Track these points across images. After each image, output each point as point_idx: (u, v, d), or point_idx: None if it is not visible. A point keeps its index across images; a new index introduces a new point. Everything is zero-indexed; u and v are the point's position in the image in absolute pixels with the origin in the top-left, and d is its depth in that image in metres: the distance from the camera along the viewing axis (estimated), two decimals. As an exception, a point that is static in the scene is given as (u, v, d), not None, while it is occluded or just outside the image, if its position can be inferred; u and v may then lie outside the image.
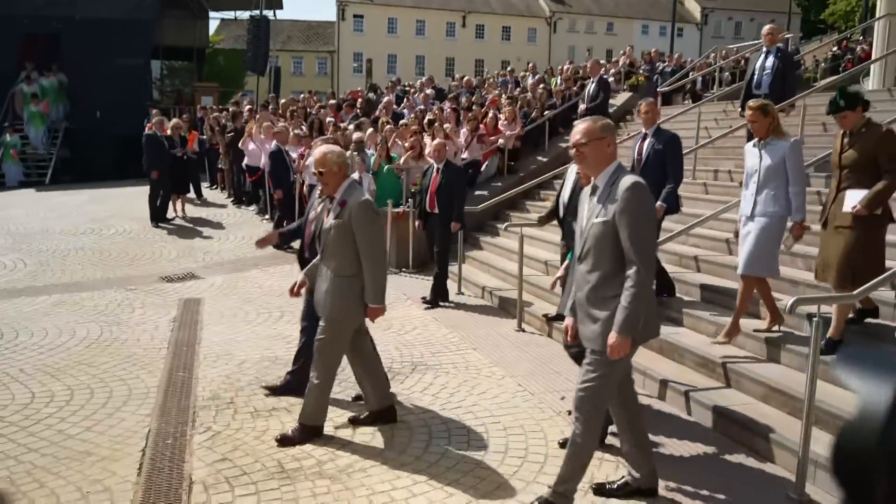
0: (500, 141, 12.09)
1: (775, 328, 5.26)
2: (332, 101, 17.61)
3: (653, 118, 6.43)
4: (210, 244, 11.24)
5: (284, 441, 4.31)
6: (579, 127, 3.46)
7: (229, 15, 30.47)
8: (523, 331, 6.95)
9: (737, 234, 5.45)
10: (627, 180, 3.26)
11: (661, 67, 18.04)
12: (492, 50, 51.39)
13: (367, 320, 4.51)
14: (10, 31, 19.24)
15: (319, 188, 4.74)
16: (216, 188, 16.54)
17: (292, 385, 5.08)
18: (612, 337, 3.21)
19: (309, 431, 4.38)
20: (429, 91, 16.36)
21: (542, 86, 15.27)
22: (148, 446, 4.28)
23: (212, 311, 7.55)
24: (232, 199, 14.93)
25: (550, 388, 5.36)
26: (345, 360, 4.58)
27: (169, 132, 13.23)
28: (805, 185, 5.18)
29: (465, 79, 18.12)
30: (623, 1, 57.04)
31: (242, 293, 8.39)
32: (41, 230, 11.80)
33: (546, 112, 13.52)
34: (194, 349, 6.23)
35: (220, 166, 16.04)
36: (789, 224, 5.15)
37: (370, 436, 4.48)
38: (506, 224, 9.07)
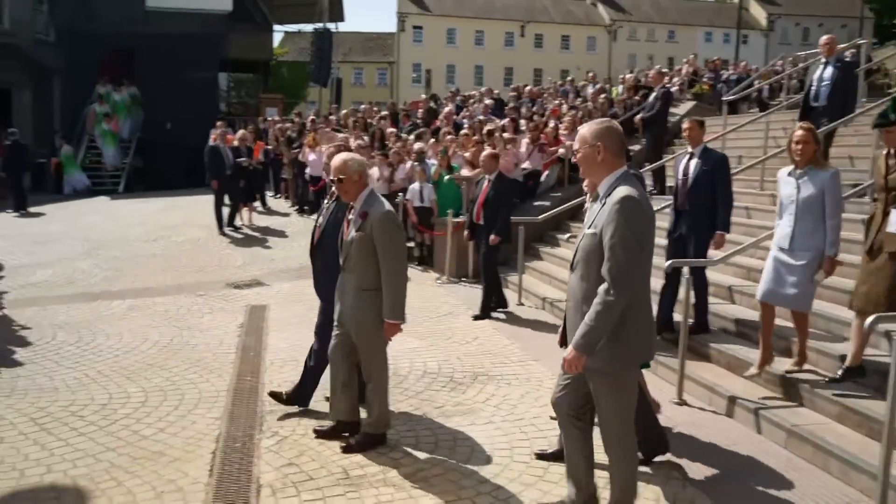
0: (561, 150, 12.03)
1: (805, 367, 5.08)
2: (384, 112, 17.83)
3: (697, 137, 6.24)
4: (275, 252, 11.50)
5: (348, 449, 4.36)
6: (578, 133, 3.39)
7: (293, 28, 31.29)
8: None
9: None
10: (619, 192, 3.09)
11: (725, 76, 17.68)
12: (551, 59, 51.25)
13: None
14: (91, 47, 20.13)
15: (330, 193, 4.79)
16: (280, 197, 16.92)
17: (298, 394, 5.05)
18: (568, 351, 3.16)
19: (373, 440, 4.42)
20: (488, 101, 16.39)
21: (602, 95, 15.15)
22: (218, 449, 4.40)
23: (277, 318, 7.72)
24: (296, 207, 15.25)
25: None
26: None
27: (236, 143, 13.61)
28: (841, 218, 4.92)
29: (528, 88, 18.10)
30: (685, 8, 56.14)
31: (307, 300, 8.51)
32: (117, 237, 12.28)
33: (608, 122, 13.39)
34: (261, 355, 6.39)
35: (283, 176, 16.42)
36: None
37: (433, 445, 4.50)
38: (567, 235, 9.01)
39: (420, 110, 17.05)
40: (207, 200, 13.44)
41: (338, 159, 4.29)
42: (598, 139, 3.20)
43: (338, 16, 27.95)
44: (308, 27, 28.18)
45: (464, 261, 10.00)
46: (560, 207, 10.18)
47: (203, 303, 8.35)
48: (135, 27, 20.44)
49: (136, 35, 20.40)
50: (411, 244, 11.26)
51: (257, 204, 14.78)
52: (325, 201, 4.96)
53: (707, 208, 5.99)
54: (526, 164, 11.66)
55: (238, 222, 13.16)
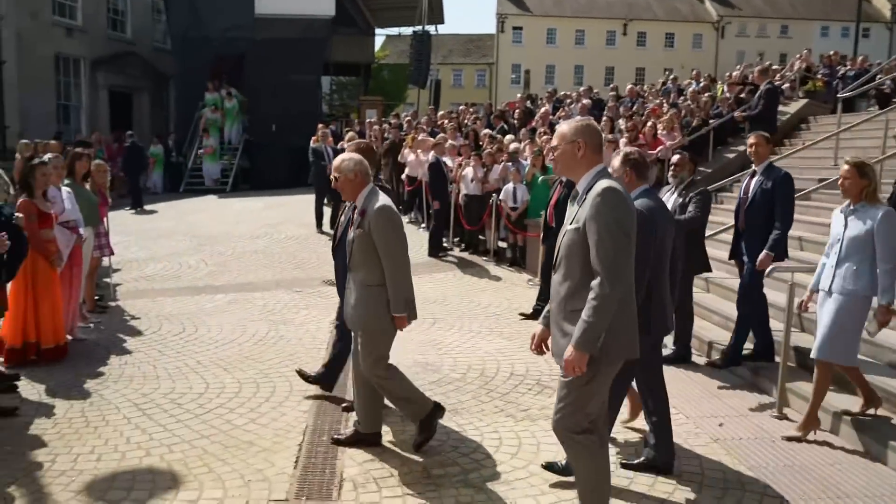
0: (659, 149, 11.67)
1: (871, 412, 4.70)
2: (472, 113, 17.83)
3: (763, 153, 5.86)
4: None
5: (337, 441, 4.43)
6: (556, 130, 3.30)
7: (394, 31, 31.77)
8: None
9: (801, 307, 4.91)
10: (600, 185, 3.04)
11: (842, 72, 16.64)
12: (654, 57, 49.84)
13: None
14: (201, 52, 21.19)
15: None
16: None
17: (324, 377, 5.30)
18: (568, 352, 3.02)
19: (364, 438, 4.43)
20: (586, 101, 16.11)
21: (706, 93, 14.60)
22: (304, 441, 4.50)
23: (368, 316, 7.83)
24: (391, 207, 15.47)
25: (708, 413, 5.07)
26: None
27: (345, 144, 13.96)
28: None
29: (629, 87, 17.69)
30: (799, 1, 53.31)
31: (397, 299, 8.64)
32: (222, 233, 12.85)
33: (711, 121, 12.90)
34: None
35: (380, 177, 16.71)
36: (874, 305, 4.49)
37: (516, 447, 4.45)
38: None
39: (516, 111, 16.95)
40: (309, 199, 13.85)
41: (338, 158, 4.37)
42: (579, 135, 3.15)
43: (438, 18, 28.19)
44: (408, 30, 28.62)
45: (556, 262, 9.83)
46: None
47: (299, 298, 8.60)
48: (244, 33, 21.34)
49: (244, 41, 21.29)
50: (504, 244, 11.22)
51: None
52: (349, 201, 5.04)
53: (767, 230, 5.61)
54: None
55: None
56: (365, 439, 4.43)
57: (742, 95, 13.68)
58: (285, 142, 19.96)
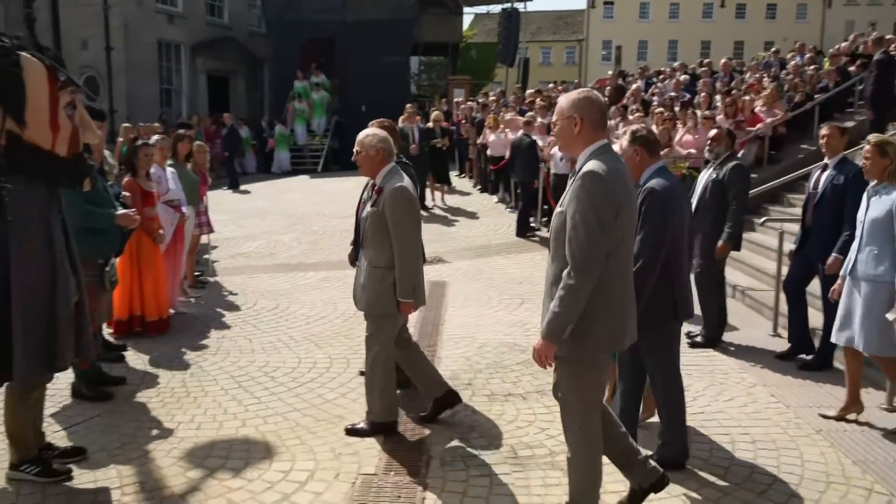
0: (759, 126, 11.13)
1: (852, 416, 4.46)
2: (561, 90, 17.44)
3: (836, 146, 5.44)
4: (457, 230, 11.74)
5: (352, 432, 4.28)
6: (557, 103, 3.10)
7: (482, 10, 31.54)
8: (779, 336, 6.32)
9: (832, 295, 4.72)
10: (586, 167, 2.86)
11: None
12: (753, 30, 47.53)
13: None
14: (294, 36, 21.66)
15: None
16: (464, 177, 17.24)
17: None
18: (537, 341, 2.93)
19: (378, 427, 4.29)
20: (681, 77, 15.53)
21: (811, 67, 13.81)
22: (393, 418, 4.56)
23: (456, 294, 7.87)
24: (479, 187, 15.47)
25: (809, 402, 4.83)
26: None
27: (430, 124, 14.05)
28: None
29: (723, 62, 16.94)
30: (919, -35, 49.50)
31: (486, 279, 8.64)
32: (315, 213, 13.16)
33: (816, 96, 12.19)
34: (438, 329, 6.54)
35: (469, 156, 16.70)
36: None
37: (605, 432, 4.36)
38: (763, 219, 8.34)
39: (607, 88, 16.54)
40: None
41: (362, 133, 4.26)
42: (576, 110, 2.96)
43: (526, -5, 27.81)
44: (497, 8, 28.33)
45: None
46: (756, 189, 9.43)
47: (387, 277, 8.70)
48: (335, 16, 21.66)
49: (335, 23, 21.62)
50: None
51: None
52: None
53: (836, 230, 5.21)
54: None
55: (430, 202, 13.58)
56: (381, 429, 4.30)
57: (851, 69, 12.83)
58: (374, 122, 20.20)
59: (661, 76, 17.02)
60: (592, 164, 2.88)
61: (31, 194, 3.31)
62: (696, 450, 4.10)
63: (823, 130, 5.60)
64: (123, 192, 5.47)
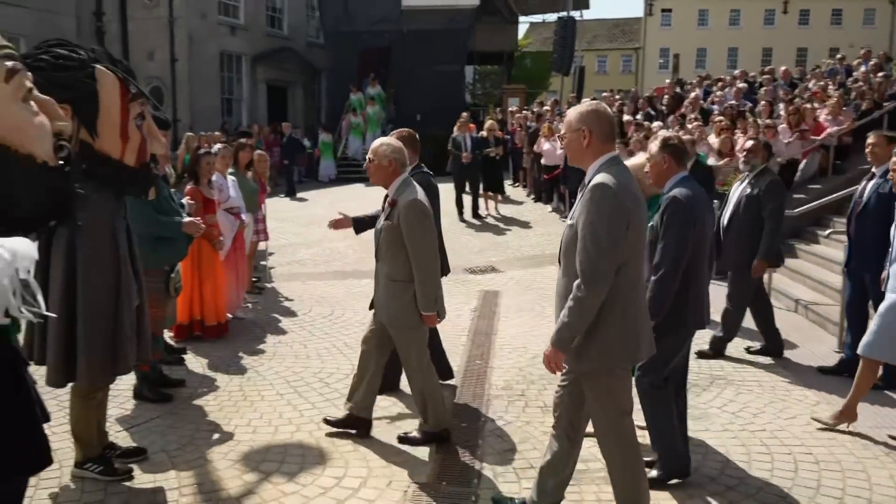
0: (824, 135, 10.80)
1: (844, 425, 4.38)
2: (618, 99, 17.24)
3: (882, 155, 5.22)
4: (510, 239, 11.71)
5: (405, 440, 4.30)
6: (565, 117, 3.13)
7: (538, 19, 31.44)
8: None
9: None
10: (596, 179, 2.88)
11: None
12: (817, 37, 46.20)
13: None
14: (351, 46, 21.99)
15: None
16: (518, 186, 17.19)
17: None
18: (546, 348, 3.01)
19: (430, 437, 4.29)
20: (741, 84, 15.18)
21: (880, 73, 13.33)
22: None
23: (509, 304, 7.83)
24: (533, 196, 15.40)
25: (878, 423, 4.64)
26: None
27: (484, 133, 14.07)
28: None
29: (783, 69, 16.51)
30: None
31: (539, 289, 8.58)
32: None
33: (886, 104, 11.76)
34: (491, 339, 6.52)
35: (523, 165, 16.65)
36: None
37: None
38: (828, 231, 8.09)
39: (665, 97, 16.28)
40: (450, 188, 14.02)
41: (376, 142, 4.20)
42: (584, 123, 2.98)
43: (583, 3, 27.58)
44: (552, 16, 28.20)
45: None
46: (820, 200, 9.16)
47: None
48: (391, 25, 21.91)
49: (391, 33, 21.87)
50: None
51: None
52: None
53: (879, 241, 4.94)
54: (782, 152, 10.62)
55: (483, 211, 13.58)
56: (432, 438, 4.29)
57: (924, 75, 12.36)
58: (429, 131, 20.26)
59: (720, 84, 16.66)
60: (602, 177, 2.89)
61: (100, 201, 3.43)
62: (756, 469, 3.98)
63: (870, 139, 5.44)
64: (186, 200, 5.62)
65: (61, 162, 1.93)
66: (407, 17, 21.89)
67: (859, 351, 4.46)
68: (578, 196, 3.01)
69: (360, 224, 4.77)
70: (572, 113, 3.08)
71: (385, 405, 4.92)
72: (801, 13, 48.44)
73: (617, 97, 18.36)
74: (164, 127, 5.17)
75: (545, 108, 17.75)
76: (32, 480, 3.40)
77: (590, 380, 3.07)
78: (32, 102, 1.91)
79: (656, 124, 12.59)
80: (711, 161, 9.88)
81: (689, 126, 11.07)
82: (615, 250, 2.83)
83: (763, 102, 12.52)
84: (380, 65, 22.27)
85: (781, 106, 12.30)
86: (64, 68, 3.04)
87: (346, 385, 5.22)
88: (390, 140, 4.26)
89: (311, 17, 27.39)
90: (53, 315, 2.87)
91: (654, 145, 3.83)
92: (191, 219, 5.07)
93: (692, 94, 15.10)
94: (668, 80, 19.05)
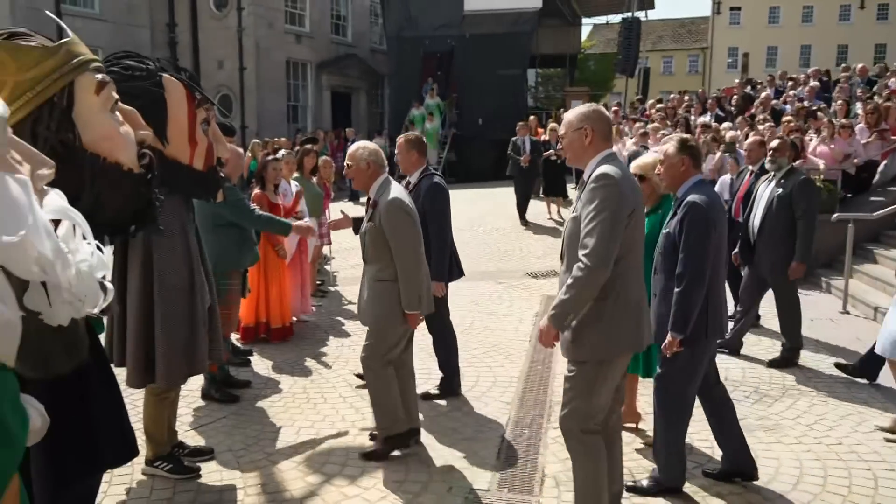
0: (907, 137, 10.30)
1: None
2: (685, 101, 16.82)
3: None
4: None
5: (369, 456, 4.16)
6: (563, 119, 3.17)
7: (601, 20, 31.07)
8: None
9: None
10: (598, 169, 2.95)
11: None
12: (898, 32, 44.22)
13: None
14: (413, 51, 22.17)
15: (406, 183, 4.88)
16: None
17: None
18: (542, 322, 3.02)
19: (391, 442, 4.18)
20: (814, 83, 14.65)
21: (968, 70, 12.66)
22: (506, 433, 4.52)
23: (571, 310, 7.72)
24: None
25: (965, 439, 4.37)
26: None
27: (545, 136, 13.96)
28: None
29: (860, 66, 15.85)
30: None
31: (601, 294, 8.43)
32: (429, 225, 13.33)
33: (974, 101, 11.16)
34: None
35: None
36: None
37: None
38: (910, 235, 7.70)
39: (734, 97, 15.85)
40: (512, 192, 13.97)
41: (353, 147, 4.25)
42: (587, 122, 3.06)
43: (648, 3, 27.13)
44: (616, 17, 27.83)
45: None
46: (903, 203, 8.73)
47: (503, 290, 8.68)
48: (453, 30, 21.98)
49: (453, 37, 21.94)
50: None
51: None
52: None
53: None
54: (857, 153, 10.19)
55: (546, 215, 13.48)
56: (394, 443, 4.19)
57: None
58: (491, 135, 20.28)
59: (792, 83, 16.12)
60: (604, 168, 2.95)
61: (172, 205, 3.54)
62: (832, 484, 3.81)
63: None
64: (252, 206, 5.74)
65: (143, 169, 2.02)
66: (469, 22, 21.92)
67: (878, 350, 4.45)
68: (578, 191, 3.09)
69: (360, 224, 4.80)
70: (572, 114, 3.15)
71: (445, 410, 4.91)
72: (879, 8, 46.41)
73: (685, 98, 17.95)
74: (229, 133, 5.33)
75: (613, 109, 17.50)
76: (105, 476, 3.53)
77: (588, 366, 3.06)
78: (118, 112, 1.99)
79: (725, 125, 12.26)
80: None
81: (760, 127, 10.73)
82: (617, 236, 2.87)
83: (839, 101, 12.04)
84: (441, 69, 22.35)
85: (858, 105, 11.79)
86: (133, 78, 3.14)
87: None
88: (366, 143, 4.34)
89: (374, 23, 27.75)
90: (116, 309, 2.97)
91: (670, 146, 3.78)
92: (299, 222, 5.26)
93: (763, 94, 14.65)
94: (736, 80, 18.51)
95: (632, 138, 12.50)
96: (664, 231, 3.74)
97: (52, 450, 1.95)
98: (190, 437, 4.42)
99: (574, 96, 24.51)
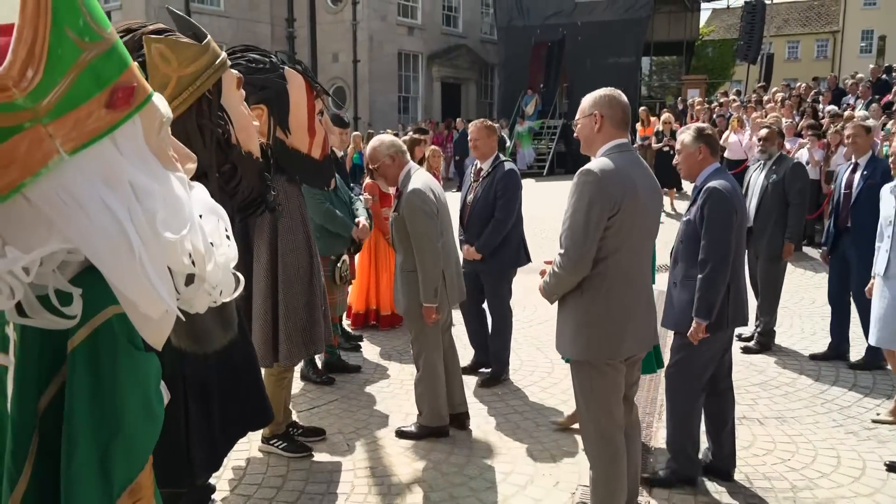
0: None
1: None
2: (814, 88, 15.78)
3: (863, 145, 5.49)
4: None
5: (402, 434, 4.28)
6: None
7: (721, 4, 29.75)
8: None
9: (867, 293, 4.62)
10: (587, 164, 2.86)
11: None
12: None
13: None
14: (523, 41, 22.00)
15: (475, 172, 4.99)
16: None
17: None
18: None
19: (426, 431, 4.25)
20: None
21: None
22: (615, 430, 4.41)
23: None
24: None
25: None
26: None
27: (660, 127, 13.55)
28: None
29: None
30: None
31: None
32: (537, 216, 13.18)
33: None
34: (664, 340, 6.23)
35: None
36: None
37: (858, 470, 3.87)
38: None
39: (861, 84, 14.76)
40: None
41: (368, 148, 4.15)
42: (597, 108, 2.93)
43: (773, -14, 25.74)
44: (739, 1, 26.55)
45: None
46: None
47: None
48: (564, 19, 21.65)
49: (565, 26, 21.60)
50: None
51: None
52: (471, 181, 5.13)
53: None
54: None
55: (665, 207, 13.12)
56: (429, 433, 4.26)
57: None
58: (602, 126, 19.88)
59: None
60: (592, 163, 2.87)
61: (292, 192, 3.69)
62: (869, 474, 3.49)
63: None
64: (364, 195, 5.87)
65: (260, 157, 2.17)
66: (581, 9, 21.53)
67: (872, 342, 4.50)
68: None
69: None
70: (586, 99, 3.03)
71: (553, 403, 4.85)
72: None
73: (814, 87, 16.92)
74: (341, 125, 5.46)
75: (732, 97, 16.72)
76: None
77: (576, 367, 3.03)
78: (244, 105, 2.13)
79: (860, 112, 11.46)
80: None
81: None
82: (591, 237, 2.78)
83: None
84: (553, 59, 22.06)
85: None
86: (258, 71, 3.27)
87: (513, 381, 5.25)
88: (380, 139, 4.26)
89: (484, 13, 27.76)
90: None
91: (687, 135, 3.67)
92: (363, 223, 5.27)
93: (902, 80, 13.59)
94: (871, 66, 17.24)
95: (747, 131, 11.88)
96: (684, 219, 3.65)
97: (212, 412, 2.23)
98: (304, 417, 4.57)
99: (691, 85, 23.64)
